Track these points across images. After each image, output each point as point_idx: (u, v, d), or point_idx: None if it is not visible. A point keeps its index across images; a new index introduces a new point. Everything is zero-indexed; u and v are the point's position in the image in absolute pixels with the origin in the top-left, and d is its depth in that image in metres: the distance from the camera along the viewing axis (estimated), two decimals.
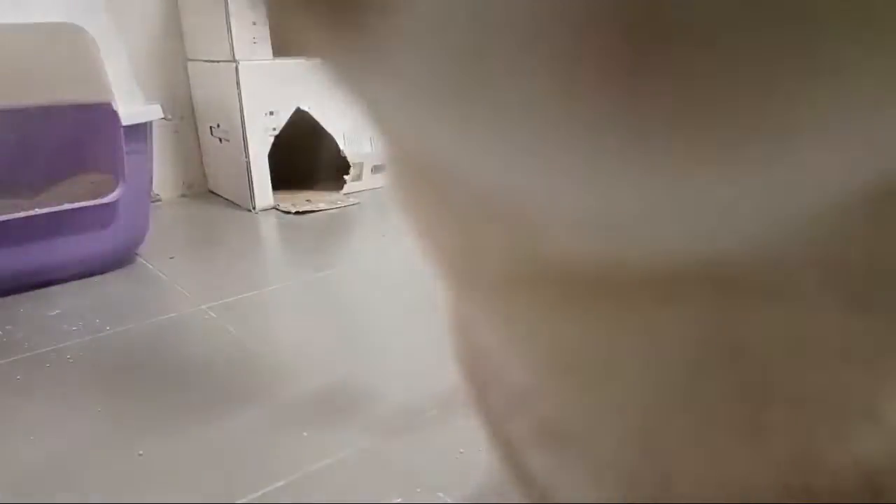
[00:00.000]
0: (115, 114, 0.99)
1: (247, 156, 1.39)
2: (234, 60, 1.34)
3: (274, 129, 1.40)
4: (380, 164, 1.57)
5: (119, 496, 0.52)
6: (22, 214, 0.94)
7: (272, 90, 1.39)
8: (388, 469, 0.53)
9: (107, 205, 1.01)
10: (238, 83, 1.34)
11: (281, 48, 1.41)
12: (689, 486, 0.18)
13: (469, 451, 0.55)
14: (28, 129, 1.24)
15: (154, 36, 1.53)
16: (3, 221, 0.93)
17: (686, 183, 0.12)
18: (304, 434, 0.58)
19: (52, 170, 1.25)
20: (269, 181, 1.43)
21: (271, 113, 1.39)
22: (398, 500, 0.49)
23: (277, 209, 1.43)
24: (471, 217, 0.17)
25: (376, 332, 0.79)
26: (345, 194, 1.52)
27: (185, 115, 1.61)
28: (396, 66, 0.13)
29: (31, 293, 0.98)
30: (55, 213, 0.97)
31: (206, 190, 1.66)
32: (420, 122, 0.14)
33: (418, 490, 0.50)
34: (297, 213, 1.38)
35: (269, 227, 1.30)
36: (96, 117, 1.19)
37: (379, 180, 1.58)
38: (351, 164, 1.52)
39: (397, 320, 0.82)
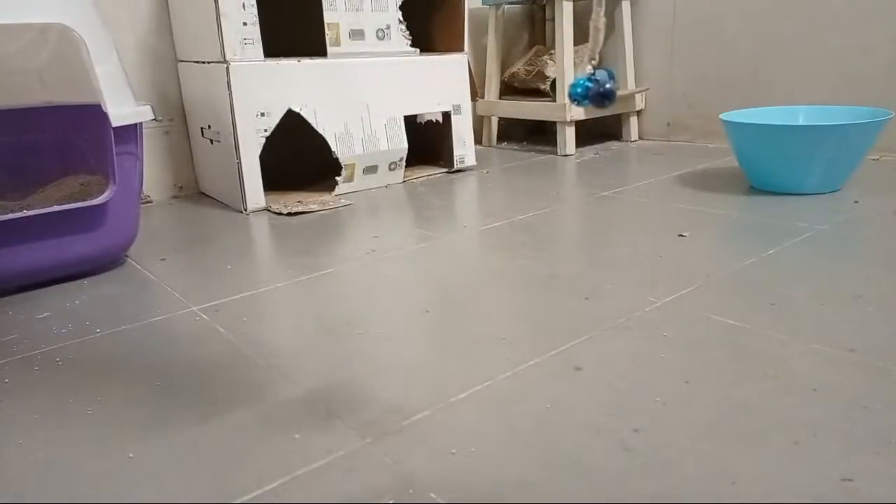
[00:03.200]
0: (105, 115, 0.98)
1: (238, 157, 1.38)
2: (225, 61, 1.33)
3: (265, 130, 1.40)
4: (372, 165, 1.57)
5: (110, 498, 0.52)
6: (11, 216, 0.94)
7: (263, 91, 1.38)
8: (379, 470, 0.53)
9: (97, 206, 1.01)
10: (229, 84, 1.34)
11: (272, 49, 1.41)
12: None
13: (461, 452, 0.55)
14: (17, 131, 1.23)
15: (144, 37, 1.53)
16: None
17: None
18: (296, 436, 0.58)
19: (42, 171, 1.24)
20: (261, 182, 1.42)
21: (263, 114, 1.39)
22: (390, 501, 0.49)
23: (269, 210, 1.42)
24: None
25: (368, 334, 0.79)
26: (336, 195, 1.51)
27: (176, 116, 1.60)
28: None
29: (20, 295, 0.98)
30: (45, 214, 0.97)
31: (197, 191, 1.65)
32: None
33: (410, 491, 0.50)
34: (289, 214, 1.38)
35: (260, 228, 1.30)
36: (86, 118, 1.19)
37: (370, 181, 1.58)
38: (343, 165, 1.51)
39: (389, 322, 0.82)
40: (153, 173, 1.58)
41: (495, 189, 1.54)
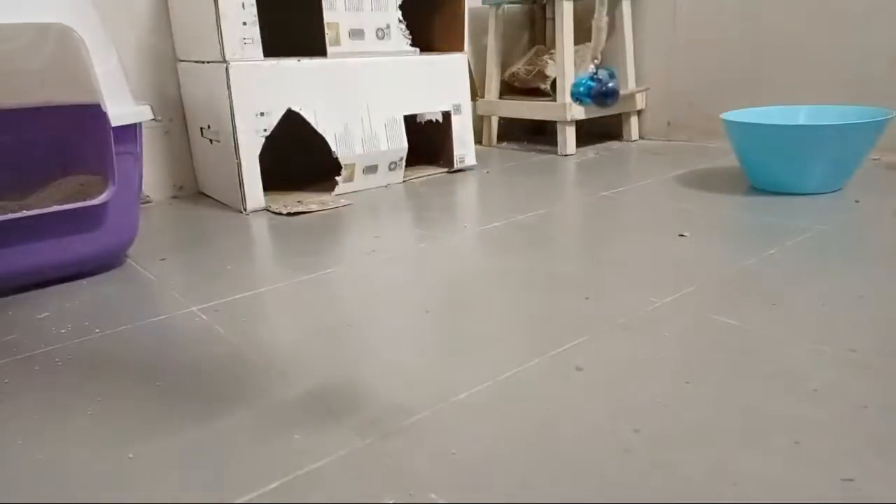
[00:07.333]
0: (104, 115, 0.98)
1: (238, 157, 1.38)
2: (225, 61, 1.33)
3: (265, 130, 1.40)
4: (372, 164, 1.56)
5: (110, 498, 0.51)
6: (11, 216, 0.93)
7: (263, 91, 1.38)
8: (380, 470, 0.53)
9: (96, 206, 1.01)
10: (228, 84, 1.34)
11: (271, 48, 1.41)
12: None
13: (461, 452, 0.55)
14: (16, 130, 1.23)
15: (144, 37, 1.53)
16: None
17: None
18: (296, 436, 0.58)
19: (41, 171, 1.24)
20: (261, 182, 1.42)
21: (262, 114, 1.39)
22: (390, 502, 0.49)
23: (269, 210, 1.42)
24: None
25: (367, 334, 0.79)
26: (336, 195, 1.51)
27: (175, 116, 1.60)
28: None
29: (20, 295, 0.97)
30: (44, 214, 0.97)
31: (196, 191, 1.65)
32: None
33: (411, 492, 0.50)
34: (289, 214, 1.38)
35: (260, 228, 1.30)
36: (85, 118, 1.18)
37: (370, 181, 1.58)
38: (343, 165, 1.51)
39: (388, 322, 0.82)
40: (153, 173, 1.58)
41: (495, 189, 1.54)
